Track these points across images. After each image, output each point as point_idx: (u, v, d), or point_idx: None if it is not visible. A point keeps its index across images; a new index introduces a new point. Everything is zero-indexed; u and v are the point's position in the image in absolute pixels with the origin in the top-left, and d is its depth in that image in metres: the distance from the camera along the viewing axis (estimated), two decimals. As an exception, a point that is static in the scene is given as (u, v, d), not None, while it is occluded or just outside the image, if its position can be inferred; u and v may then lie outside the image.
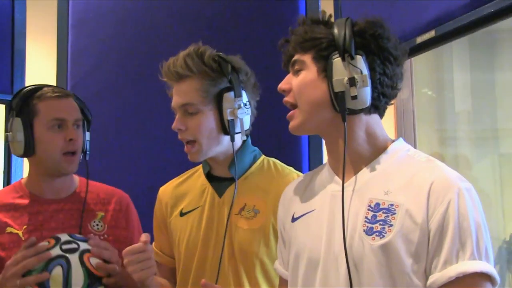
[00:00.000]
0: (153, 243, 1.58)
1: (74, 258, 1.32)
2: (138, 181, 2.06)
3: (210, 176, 1.47)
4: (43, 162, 1.49)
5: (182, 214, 1.47)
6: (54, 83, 2.17)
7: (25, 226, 1.48)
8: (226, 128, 1.36)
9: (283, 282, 1.22)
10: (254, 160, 1.47)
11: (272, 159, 1.50)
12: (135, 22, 2.14)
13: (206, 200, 1.44)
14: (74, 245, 1.36)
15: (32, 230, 1.47)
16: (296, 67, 1.10)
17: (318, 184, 1.16)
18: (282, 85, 1.12)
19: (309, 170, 1.82)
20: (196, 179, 1.51)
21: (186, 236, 1.44)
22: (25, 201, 1.52)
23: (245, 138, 1.44)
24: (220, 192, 1.43)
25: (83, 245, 1.37)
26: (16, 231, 1.47)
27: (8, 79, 2.27)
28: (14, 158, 2.16)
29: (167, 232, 1.51)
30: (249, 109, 1.40)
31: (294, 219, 1.16)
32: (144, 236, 1.30)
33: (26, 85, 1.66)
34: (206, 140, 1.37)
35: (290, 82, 1.11)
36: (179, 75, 1.37)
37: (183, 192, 1.50)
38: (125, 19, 2.15)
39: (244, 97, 1.38)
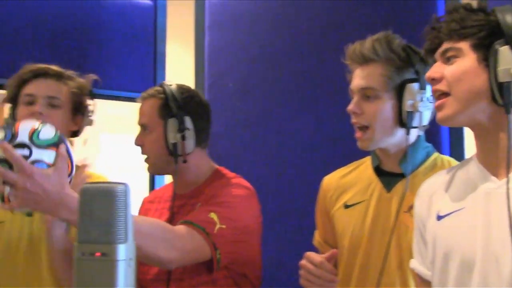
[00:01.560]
0: (316, 231, 1.56)
1: None
2: (273, 177, 2.09)
3: (378, 170, 1.42)
4: None
5: (346, 206, 1.44)
6: (193, 83, 2.29)
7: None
8: (403, 120, 1.33)
9: (423, 282, 1.17)
10: (427, 157, 1.41)
11: (447, 157, 1.43)
12: (268, 23, 2.17)
13: (372, 194, 1.40)
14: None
15: None
16: (449, 54, 1.05)
17: (465, 181, 1.10)
18: (432, 74, 1.07)
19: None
20: (362, 171, 1.47)
21: (350, 230, 1.40)
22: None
23: (421, 133, 1.40)
24: (388, 187, 1.38)
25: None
26: None
27: (151, 80, 2.45)
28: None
29: (330, 223, 1.48)
30: (431, 105, 1.34)
31: (440, 217, 1.11)
32: (330, 253, 1.28)
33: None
34: (380, 128, 1.33)
35: (440, 70, 1.06)
36: (364, 58, 1.35)
37: (348, 184, 1.47)
38: (259, 20, 2.19)
39: (428, 91, 1.32)
